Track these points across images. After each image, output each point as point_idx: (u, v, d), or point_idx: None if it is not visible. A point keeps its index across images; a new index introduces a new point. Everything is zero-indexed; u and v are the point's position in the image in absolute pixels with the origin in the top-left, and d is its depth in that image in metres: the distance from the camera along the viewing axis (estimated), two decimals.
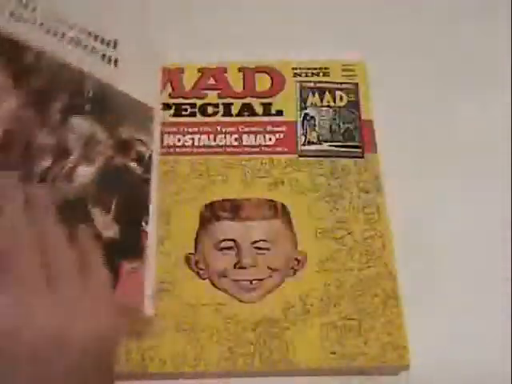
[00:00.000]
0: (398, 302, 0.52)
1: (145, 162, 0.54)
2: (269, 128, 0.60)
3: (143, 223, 0.51)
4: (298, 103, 0.61)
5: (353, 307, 0.52)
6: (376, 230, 0.55)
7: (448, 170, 0.59)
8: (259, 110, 0.61)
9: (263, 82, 0.62)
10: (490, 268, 0.55)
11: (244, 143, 0.59)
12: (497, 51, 0.67)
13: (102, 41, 0.57)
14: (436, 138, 0.61)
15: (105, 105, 0.54)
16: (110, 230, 0.48)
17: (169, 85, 0.61)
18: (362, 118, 0.60)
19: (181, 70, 0.62)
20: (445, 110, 0.62)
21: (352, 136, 0.59)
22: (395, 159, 0.58)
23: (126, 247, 0.49)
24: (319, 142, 0.59)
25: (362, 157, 0.58)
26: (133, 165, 0.53)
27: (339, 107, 0.61)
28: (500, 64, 0.66)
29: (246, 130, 0.60)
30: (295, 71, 0.63)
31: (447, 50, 0.66)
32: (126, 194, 0.51)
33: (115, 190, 0.50)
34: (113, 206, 0.49)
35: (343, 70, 0.63)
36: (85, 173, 0.50)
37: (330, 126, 0.60)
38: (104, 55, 0.56)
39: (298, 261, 0.54)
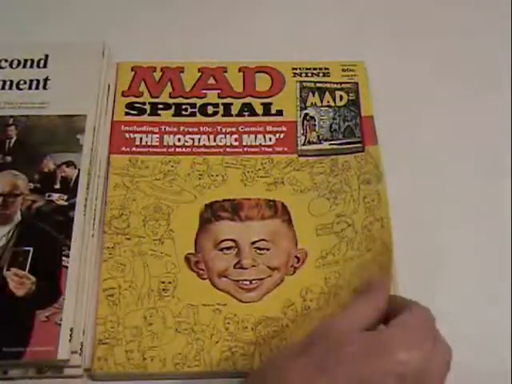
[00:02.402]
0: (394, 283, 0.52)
1: (71, 186, 0.55)
2: (269, 128, 0.60)
3: (63, 258, 0.51)
4: (298, 103, 0.61)
5: (352, 295, 0.51)
6: (375, 215, 0.55)
7: (449, 167, 0.60)
8: (259, 110, 0.61)
9: (263, 82, 0.62)
10: (490, 264, 0.55)
11: (244, 143, 0.59)
12: (497, 50, 0.67)
13: (32, 64, 0.61)
14: (436, 135, 0.61)
15: (27, 146, 0.57)
16: (24, 288, 0.50)
17: (169, 84, 0.62)
18: (363, 115, 0.60)
19: (181, 70, 0.62)
20: (445, 110, 0.63)
21: (352, 133, 0.59)
22: (396, 155, 0.58)
23: (41, 297, 0.50)
24: (319, 141, 0.59)
25: (363, 151, 0.58)
26: (57, 197, 0.54)
27: (339, 107, 0.61)
28: (500, 63, 0.66)
29: (246, 130, 0.60)
30: (295, 71, 0.63)
31: (447, 48, 0.66)
32: (44, 238, 0.52)
33: (32, 241, 0.52)
34: (29, 259, 0.51)
35: (343, 70, 0.63)
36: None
37: (330, 126, 0.60)
38: (31, 82, 0.60)
39: (298, 258, 0.54)
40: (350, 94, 0.62)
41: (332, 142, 0.59)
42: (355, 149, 0.59)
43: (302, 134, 0.60)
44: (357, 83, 0.62)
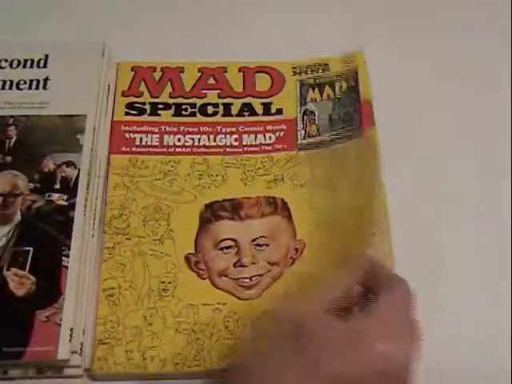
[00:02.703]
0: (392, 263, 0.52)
1: (71, 186, 0.55)
2: (269, 128, 0.60)
3: (63, 258, 0.51)
4: (298, 101, 0.61)
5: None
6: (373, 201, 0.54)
7: (449, 167, 0.60)
8: (259, 109, 0.61)
9: (263, 82, 0.62)
10: (490, 264, 0.55)
11: (244, 143, 0.59)
12: (497, 50, 0.67)
13: (32, 64, 0.61)
14: (436, 135, 0.61)
15: (27, 146, 0.57)
16: (24, 288, 0.50)
17: (169, 84, 0.62)
18: (362, 99, 0.59)
19: (181, 70, 0.62)
20: (445, 110, 0.63)
21: (351, 118, 0.59)
22: (396, 155, 0.58)
23: (41, 297, 0.50)
24: (319, 134, 0.59)
25: (361, 134, 0.57)
26: (57, 197, 0.54)
27: (339, 97, 0.61)
28: (500, 63, 0.66)
29: (246, 129, 0.60)
30: (295, 70, 0.63)
31: (447, 48, 0.66)
32: (44, 238, 0.52)
33: (32, 241, 0.52)
34: (29, 259, 0.51)
35: (343, 63, 0.62)
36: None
37: (330, 116, 0.60)
38: (31, 82, 0.60)
39: (297, 250, 0.54)
40: (350, 81, 0.61)
41: (331, 133, 0.59)
42: (354, 134, 0.58)
43: (302, 129, 0.60)
44: (356, 70, 0.61)
